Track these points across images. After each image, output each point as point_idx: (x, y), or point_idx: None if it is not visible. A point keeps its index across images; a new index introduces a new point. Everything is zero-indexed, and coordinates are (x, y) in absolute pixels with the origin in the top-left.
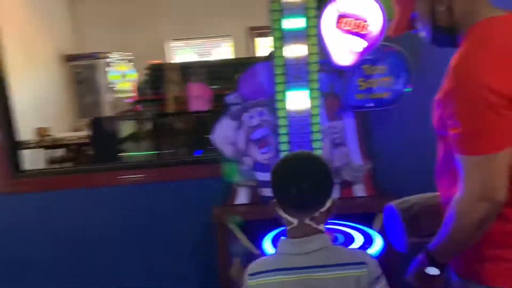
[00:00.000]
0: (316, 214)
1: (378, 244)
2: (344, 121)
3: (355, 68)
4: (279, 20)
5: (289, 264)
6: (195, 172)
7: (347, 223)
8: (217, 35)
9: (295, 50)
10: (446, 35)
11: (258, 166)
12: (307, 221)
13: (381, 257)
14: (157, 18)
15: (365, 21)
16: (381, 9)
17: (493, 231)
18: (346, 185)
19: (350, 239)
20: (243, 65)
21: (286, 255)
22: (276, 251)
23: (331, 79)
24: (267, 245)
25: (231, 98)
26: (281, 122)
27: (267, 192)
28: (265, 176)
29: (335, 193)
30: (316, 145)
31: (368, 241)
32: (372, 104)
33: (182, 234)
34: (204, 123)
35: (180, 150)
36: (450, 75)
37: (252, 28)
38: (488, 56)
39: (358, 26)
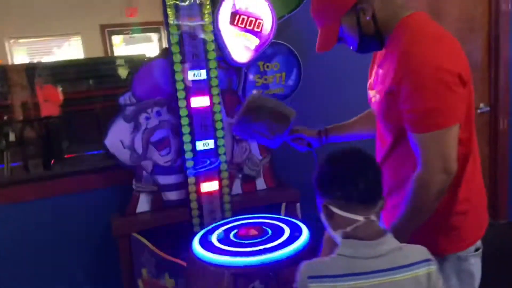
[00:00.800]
0: (377, 209)
1: (305, 232)
2: None
3: (251, 65)
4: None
5: (365, 268)
6: (87, 183)
7: (268, 215)
8: (65, 32)
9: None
10: (374, 40)
11: (159, 170)
12: (372, 217)
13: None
14: None
15: (259, 19)
16: (271, 8)
17: (443, 200)
18: (248, 179)
19: (279, 230)
20: (96, 64)
21: (359, 259)
22: (339, 253)
23: (229, 75)
24: (198, 248)
25: (124, 98)
26: (183, 121)
27: (171, 195)
28: (167, 180)
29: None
30: (220, 142)
31: (297, 230)
32: None
33: (79, 252)
34: (56, 130)
35: (32, 161)
36: (402, 63)
37: (105, 26)
38: (431, 42)
39: (252, 24)
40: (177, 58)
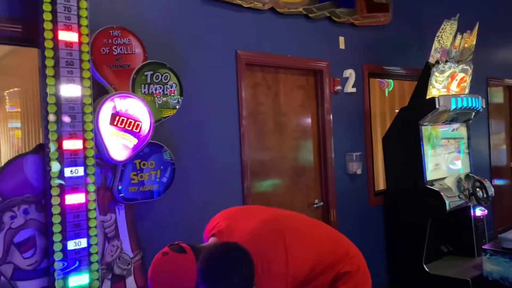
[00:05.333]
0: None
1: None
2: (117, 214)
3: (128, 162)
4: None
5: None
6: None
7: None
8: None
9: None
10: None
11: (20, 274)
12: None
13: None
14: None
15: (137, 121)
16: (149, 111)
17: None
18: (118, 279)
19: None
20: None
21: None
22: None
23: (104, 172)
24: None
25: None
26: (55, 219)
27: None
28: (29, 285)
29: None
30: (92, 241)
31: None
32: (144, 196)
33: None
34: None
35: None
36: None
37: None
38: None
39: (130, 125)
40: (54, 155)
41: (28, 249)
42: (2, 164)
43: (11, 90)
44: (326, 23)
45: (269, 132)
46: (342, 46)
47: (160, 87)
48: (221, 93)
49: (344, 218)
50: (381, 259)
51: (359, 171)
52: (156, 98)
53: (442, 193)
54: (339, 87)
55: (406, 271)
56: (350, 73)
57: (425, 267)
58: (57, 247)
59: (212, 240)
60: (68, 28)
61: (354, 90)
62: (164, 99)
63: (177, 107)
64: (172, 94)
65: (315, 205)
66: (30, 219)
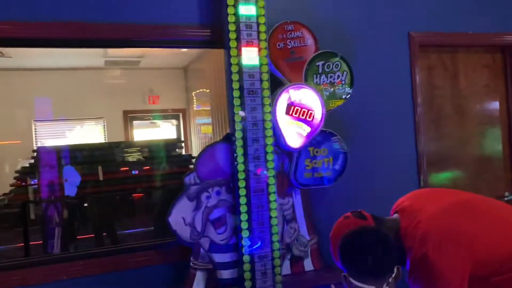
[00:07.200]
0: (390, 280)
1: None
2: (293, 198)
3: (303, 150)
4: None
5: None
6: (143, 259)
7: None
8: (88, 117)
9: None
10: None
11: (215, 248)
12: (385, 286)
13: None
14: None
15: (310, 110)
16: (321, 101)
17: None
18: (296, 260)
19: None
20: (116, 148)
21: None
22: None
23: (281, 159)
24: None
25: (189, 178)
26: (242, 200)
27: (225, 274)
28: (222, 258)
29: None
30: (273, 222)
31: None
32: (317, 182)
33: None
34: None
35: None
36: None
37: (127, 112)
38: None
39: (304, 114)
40: (239, 142)
41: (221, 226)
42: (194, 154)
43: (199, 91)
44: None
45: (447, 118)
46: None
47: (331, 77)
48: (392, 78)
49: None
50: None
51: None
52: (325, 88)
53: None
54: None
55: None
56: None
57: None
58: (244, 225)
59: (393, 216)
60: (248, 27)
61: None
62: (334, 88)
63: (347, 96)
64: (341, 84)
65: (505, 198)
66: (221, 199)
